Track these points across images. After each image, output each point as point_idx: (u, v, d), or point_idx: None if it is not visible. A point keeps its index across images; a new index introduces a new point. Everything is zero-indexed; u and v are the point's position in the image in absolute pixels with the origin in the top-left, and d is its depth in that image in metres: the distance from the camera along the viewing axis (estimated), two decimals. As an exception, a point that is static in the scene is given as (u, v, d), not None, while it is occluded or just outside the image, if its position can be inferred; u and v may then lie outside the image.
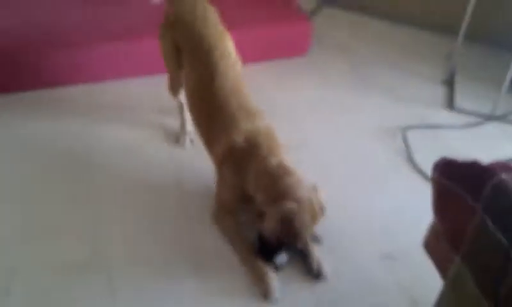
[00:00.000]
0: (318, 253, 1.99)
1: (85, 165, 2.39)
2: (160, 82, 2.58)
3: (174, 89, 2.47)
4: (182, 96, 2.44)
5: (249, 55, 2.47)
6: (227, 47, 2.26)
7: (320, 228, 2.10)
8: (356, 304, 1.88)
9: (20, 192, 2.25)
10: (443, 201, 1.29)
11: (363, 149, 2.60)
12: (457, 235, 1.20)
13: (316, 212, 1.88)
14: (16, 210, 2.17)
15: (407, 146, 2.61)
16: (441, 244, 1.28)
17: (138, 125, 2.64)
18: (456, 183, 1.23)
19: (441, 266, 1.31)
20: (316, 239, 2.06)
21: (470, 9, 2.94)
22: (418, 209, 2.26)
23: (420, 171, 2.47)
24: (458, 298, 1.17)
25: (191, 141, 2.52)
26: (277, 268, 1.92)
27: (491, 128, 2.81)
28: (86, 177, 2.32)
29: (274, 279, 1.89)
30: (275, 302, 1.85)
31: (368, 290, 1.94)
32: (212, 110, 2.12)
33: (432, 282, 1.90)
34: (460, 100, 2.96)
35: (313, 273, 1.95)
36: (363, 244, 2.11)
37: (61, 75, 2.85)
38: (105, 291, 1.87)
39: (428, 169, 2.44)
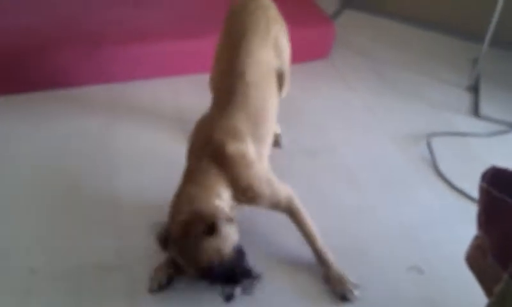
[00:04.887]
0: (340, 271, 1.88)
1: (105, 165, 2.34)
2: (180, 83, 2.54)
3: (210, 81, 2.30)
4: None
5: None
6: (270, 49, 2.11)
7: (345, 234, 2.07)
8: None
9: (40, 193, 2.21)
10: (490, 213, 1.23)
11: (386, 156, 2.53)
12: (506, 251, 1.13)
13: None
14: (35, 209, 2.13)
15: (432, 153, 2.54)
16: (487, 259, 1.22)
17: (158, 126, 2.59)
18: (506, 193, 1.16)
19: (486, 282, 1.24)
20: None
21: (496, 14, 2.87)
22: (443, 219, 2.23)
23: (445, 180, 2.40)
24: (506, 317, 1.11)
25: None
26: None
27: (517, 136, 2.73)
28: (106, 178, 2.28)
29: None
30: None
31: (394, 302, 1.87)
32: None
33: (459, 296, 1.87)
34: (485, 106, 2.89)
35: (336, 294, 1.86)
36: (388, 253, 2.04)
37: (80, 75, 2.83)
38: (126, 291, 1.83)
39: (453, 178, 2.42)
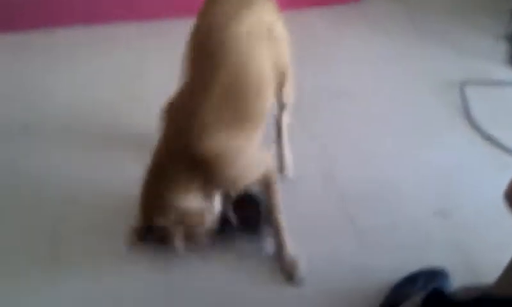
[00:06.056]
0: (293, 252, 1.78)
1: (137, 104, 2.35)
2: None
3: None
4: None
5: (300, 1, 2.35)
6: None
7: (373, 178, 2.06)
8: (410, 258, 1.82)
9: (75, 126, 2.27)
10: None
11: (418, 102, 2.49)
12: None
13: None
14: (70, 140, 2.20)
15: (464, 101, 2.48)
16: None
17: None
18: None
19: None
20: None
21: (539, -39, 2.75)
22: (473, 166, 2.20)
23: (477, 128, 2.35)
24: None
25: None
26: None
27: (553, 88, 2.65)
28: (138, 117, 2.28)
29: None
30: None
31: (420, 244, 1.88)
32: None
33: (486, 241, 1.88)
34: (521, 56, 2.80)
35: (284, 274, 1.76)
36: (416, 197, 2.04)
37: (111, 11, 2.81)
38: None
39: (485, 126, 2.36)
